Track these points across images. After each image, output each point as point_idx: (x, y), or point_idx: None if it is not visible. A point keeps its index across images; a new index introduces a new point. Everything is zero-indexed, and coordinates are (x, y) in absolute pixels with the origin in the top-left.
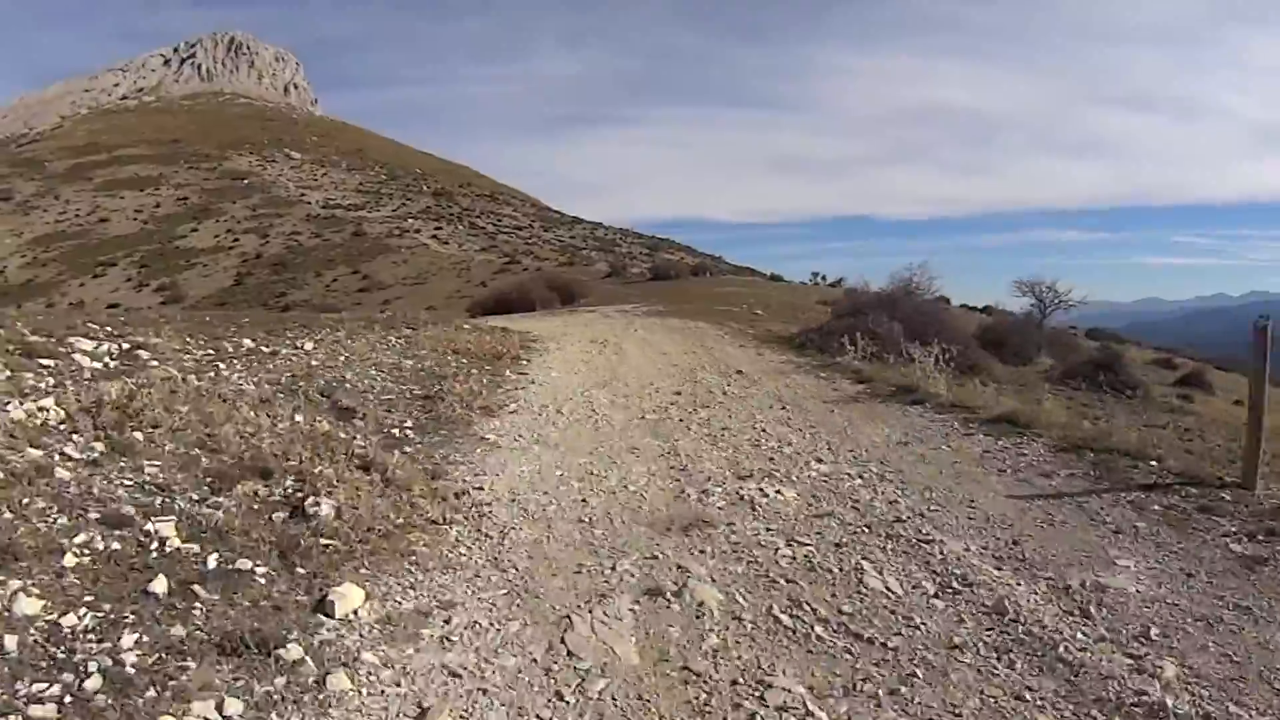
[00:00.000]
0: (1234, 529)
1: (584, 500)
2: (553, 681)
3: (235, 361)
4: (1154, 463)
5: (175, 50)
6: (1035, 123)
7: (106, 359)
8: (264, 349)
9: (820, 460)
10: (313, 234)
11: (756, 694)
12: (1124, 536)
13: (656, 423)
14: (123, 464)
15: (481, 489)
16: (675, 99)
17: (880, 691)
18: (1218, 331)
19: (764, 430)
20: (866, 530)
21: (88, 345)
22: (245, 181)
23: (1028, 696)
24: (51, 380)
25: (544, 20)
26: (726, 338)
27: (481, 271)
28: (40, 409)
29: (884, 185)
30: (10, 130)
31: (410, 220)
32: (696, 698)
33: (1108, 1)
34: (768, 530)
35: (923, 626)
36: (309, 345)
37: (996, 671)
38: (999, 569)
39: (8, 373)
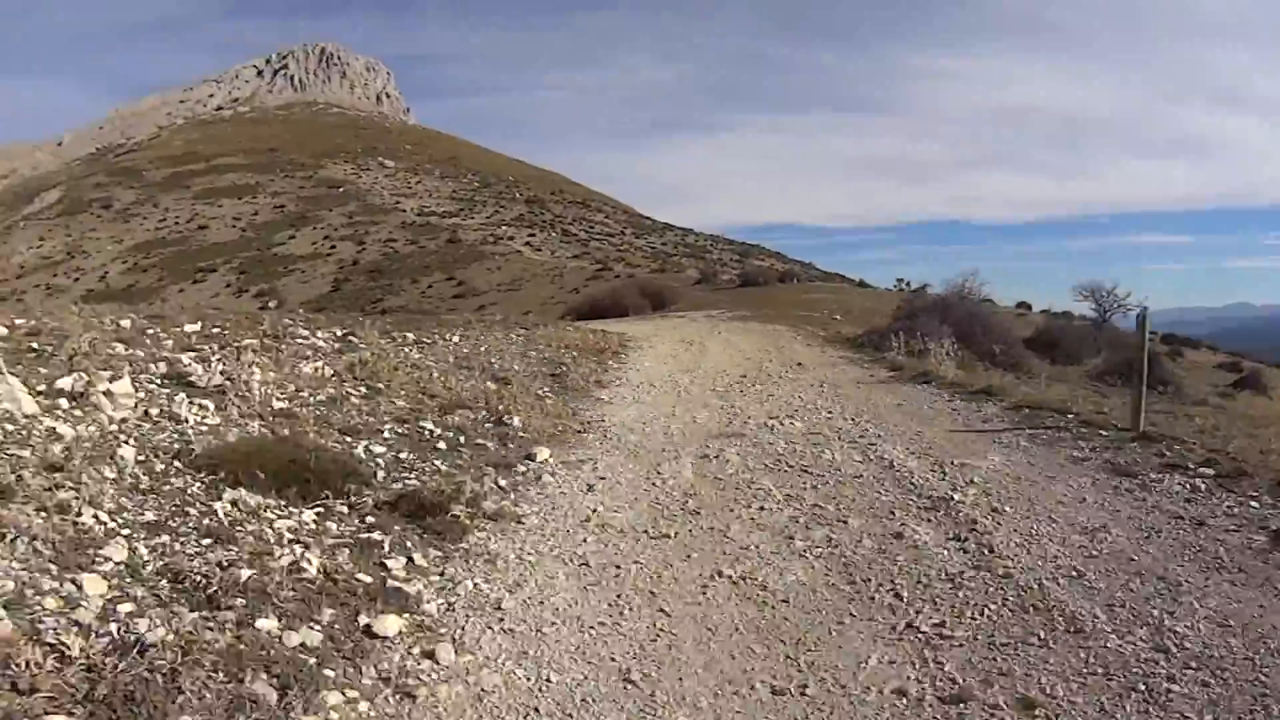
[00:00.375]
0: (1083, 446)
1: (667, 427)
2: (650, 482)
3: (409, 349)
4: (1070, 415)
5: (268, 61)
6: (1125, 123)
7: (332, 341)
8: (424, 340)
9: (830, 413)
10: (408, 241)
11: (750, 487)
12: (1007, 448)
13: (723, 392)
14: (382, 399)
15: (603, 420)
16: (764, 105)
17: (811, 489)
18: None
19: (800, 397)
20: (837, 440)
21: (305, 332)
22: (341, 189)
23: (885, 497)
24: (310, 353)
25: (631, 29)
26: (799, 339)
27: (575, 278)
28: (316, 369)
29: (974, 188)
30: (107, 140)
31: (504, 227)
32: (720, 489)
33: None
34: (776, 439)
35: (843, 471)
36: (455, 338)
37: (874, 487)
38: (907, 457)
39: (272, 350)
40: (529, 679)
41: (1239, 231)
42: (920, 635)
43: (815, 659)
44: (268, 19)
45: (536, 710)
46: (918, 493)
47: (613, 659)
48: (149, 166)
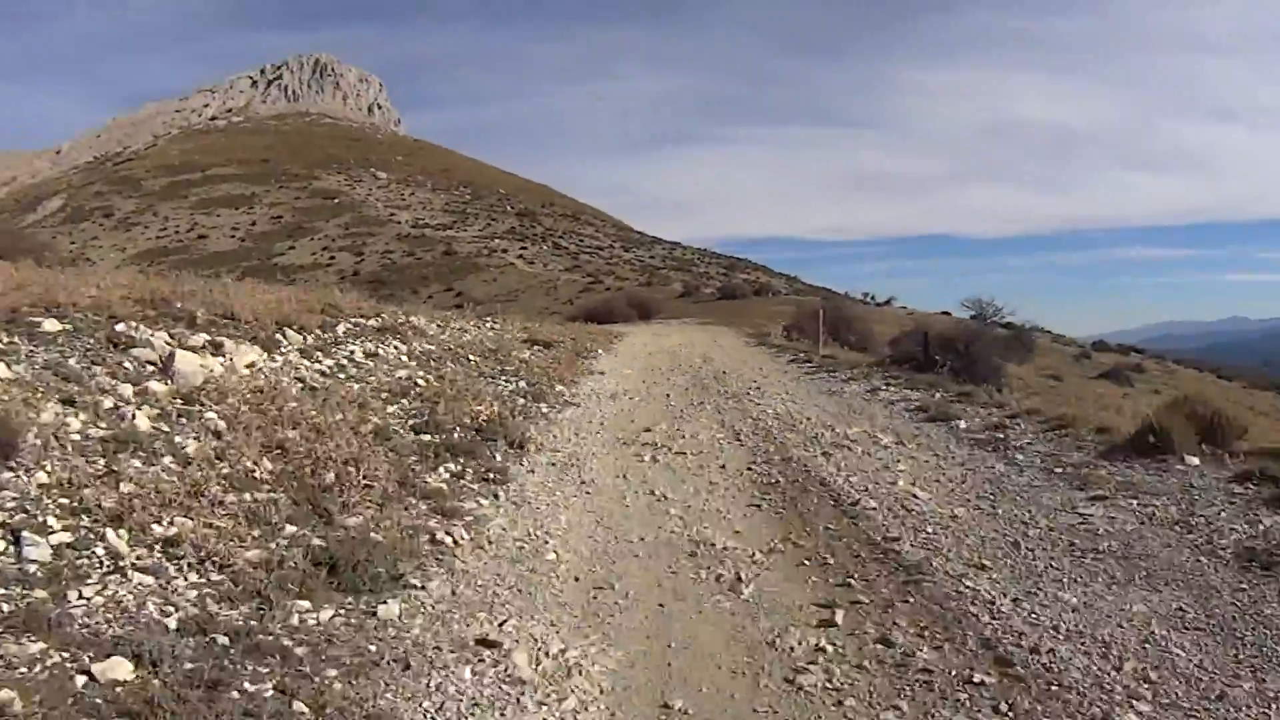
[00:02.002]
0: (805, 364)
1: (642, 356)
2: (636, 373)
3: (462, 329)
4: (822, 358)
5: (262, 72)
6: (1115, 137)
7: (437, 324)
8: (470, 325)
9: (711, 355)
10: (405, 253)
11: (667, 371)
12: (779, 367)
13: (669, 349)
14: (460, 362)
15: (613, 357)
16: (754, 118)
17: (685, 369)
18: None
19: (701, 350)
20: (704, 358)
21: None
22: (336, 201)
23: (776, 434)
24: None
25: (625, 41)
26: (733, 334)
27: (567, 290)
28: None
29: (964, 202)
30: (105, 149)
31: (497, 240)
32: (658, 373)
33: (1186, 11)
34: (682, 359)
35: (699, 365)
36: (495, 324)
37: (772, 429)
38: (723, 360)
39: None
40: (590, 420)
41: (1234, 245)
42: (713, 410)
43: (684, 413)
44: (263, 30)
45: (602, 425)
46: (713, 371)
47: (632, 420)
48: (147, 176)
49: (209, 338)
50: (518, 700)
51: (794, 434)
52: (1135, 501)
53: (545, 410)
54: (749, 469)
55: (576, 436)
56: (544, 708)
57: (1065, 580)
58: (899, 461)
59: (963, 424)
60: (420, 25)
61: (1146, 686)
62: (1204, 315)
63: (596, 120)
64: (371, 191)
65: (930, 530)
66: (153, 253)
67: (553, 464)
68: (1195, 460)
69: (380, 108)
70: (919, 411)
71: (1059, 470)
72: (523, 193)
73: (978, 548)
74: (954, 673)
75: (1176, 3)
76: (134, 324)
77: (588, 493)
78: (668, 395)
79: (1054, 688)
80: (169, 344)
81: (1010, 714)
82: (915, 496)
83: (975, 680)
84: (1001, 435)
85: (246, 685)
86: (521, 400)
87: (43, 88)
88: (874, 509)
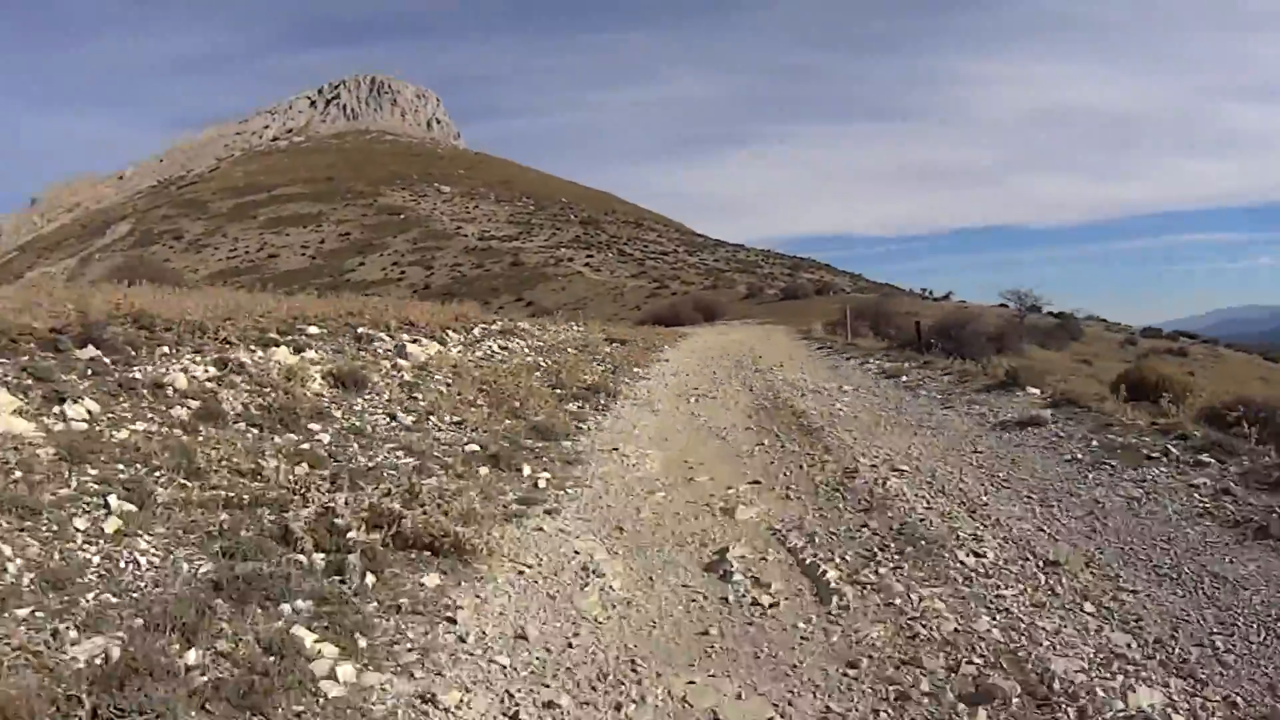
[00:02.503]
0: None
1: (701, 349)
2: (697, 359)
3: (556, 331)
4: (860, 348)
5: (320, 92)
6: (1170, 120)
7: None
8: (560, 328)
9: (759, 349)
10: (474, 265)
11: (720, 358)
12: (820, 357)
13: (725, 348)
14: (562, 352)
15: (678, 349)
16: (810, 116)
17: (735, 360)
18: None
19: (754, 343)
20: (753, 350)
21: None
22: (402, 216)
23: (778, 389)
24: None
25: (673, 46)
26: (786, 332)
27: (634, 296)
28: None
29: (1022, 192)
30: (168, 173)
31: (562, 249)
32: (716, 361)
33: None
34: (734, 351)
35: (743, 353)
36: (579, 327)
37: (777, 387)
38: (769, 354)
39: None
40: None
41: None
42: (741, 379)
43: (721, 381)
44: (317, 50)
45: (664, 387)
46: (753, 357)
47: (685, 385)
48: (213, 198)
49: (408, 336)
50: (626, 467)
51: (790, 389)
52: (968, 408)
53: (627, 380)
54: (752, 404)
55: (648, 393)
56: (637, 467)
57: (886, 436)
58: (845, 396)
59: (904, 379)
60: (469, 38)
61: (903, 461)
62: (1272, 300)
63: (650, 124)
64: (436, 206)
65: (836, 421)
66: (225, 273)
67: (634, 404)
68: (1035, 390)
69: (439, 122)
70: (882, 375)
71: (939, 397)
72: (584, 201)
73: (855, 426)
74: (809, 453)
75: None
76: (363, 328)
77: (654, 414)
78: (714, 372)
79: (852, 466)
80: (392, 338)
81: (828, 466)
82: (841, 411)
83: (816, 457)
84: (922, 383)
85: (524, 467)
86: (610, 374)
87: (100, 114)
88: (814, 414)
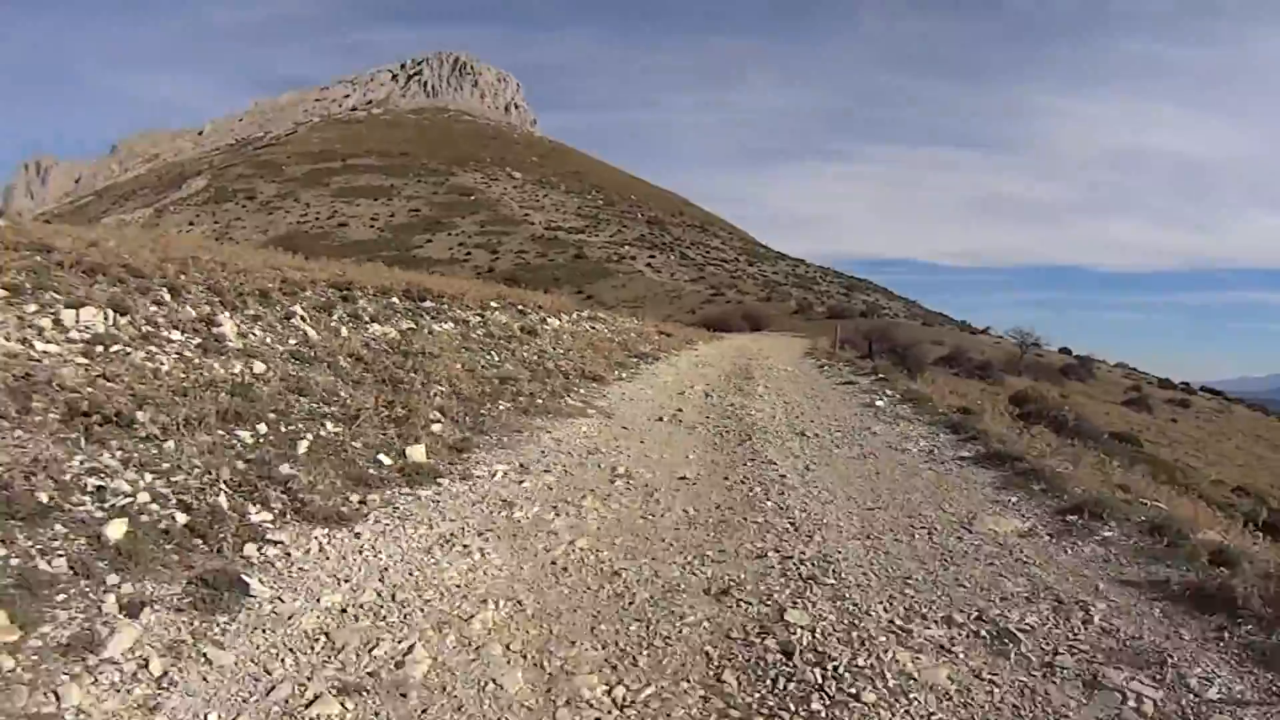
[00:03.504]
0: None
1: (729, 348)
2: (718, 351)
3: (621, 320)
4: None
5: (403, 67)
6: (1251, 172)
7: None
8: (622, 320)
9: (771, 355)
10: (538, 253)
11: (736, 356)
12: (808, 367)
13: (745, 349)
14: (624, 335)
15: (697, 352)
16: (882, 135)
17: (742, 366)
18: None
19: (764, 351)
20: (761, 356)
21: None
22: (472, 198)
23: (753, 369)
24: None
25: (754, 55)
26: (803, 343)
27: (691, 300)
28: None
29: (1092, 234)
30: (246, 133)
31: (626, 247)
32: (730, 360)
33: None
34: (750, 353)
35: (751, 356)
36: (638, 321)
37: (753, 368)
38: (775, 361)
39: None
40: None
41: None
42: (736, 365)
43: (724, 365)
44: (400, 25)
45: (689, 363)
46: (757, 356)
47: (699, 363)
48: (288, 161)
49: (545, 313)
50: (660, 377)
51: (760, 369)
52: (841, 382)
53: (666, 356)
54: (731, 370)
55: (671, 367)
56: (665, 377)
57: (786, 381)
58: (785, 369)
59: (827, 370)
60: (554, 27)
61: (784, 389)
62: None
63: (724, 130)
64: (506, 191)
65: (771, 376)
66: (293, 236)
67: (669, 366)
68: (893, 391)
69: (517, 107)
70: (817, 367)
71: (835, 378)
72: (652, 199)
73: (774, 378)
74: (744, 369)
75: None
76: (492, 305)
77: (675, 370)
78: (723, 361)
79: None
80: (536, 313)
81: (747, 383)
82: (784, 386)
83: (743, 374)
84: (838, 372)
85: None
86: (653, 351)
87: (183, 71)
88: (761, 378)
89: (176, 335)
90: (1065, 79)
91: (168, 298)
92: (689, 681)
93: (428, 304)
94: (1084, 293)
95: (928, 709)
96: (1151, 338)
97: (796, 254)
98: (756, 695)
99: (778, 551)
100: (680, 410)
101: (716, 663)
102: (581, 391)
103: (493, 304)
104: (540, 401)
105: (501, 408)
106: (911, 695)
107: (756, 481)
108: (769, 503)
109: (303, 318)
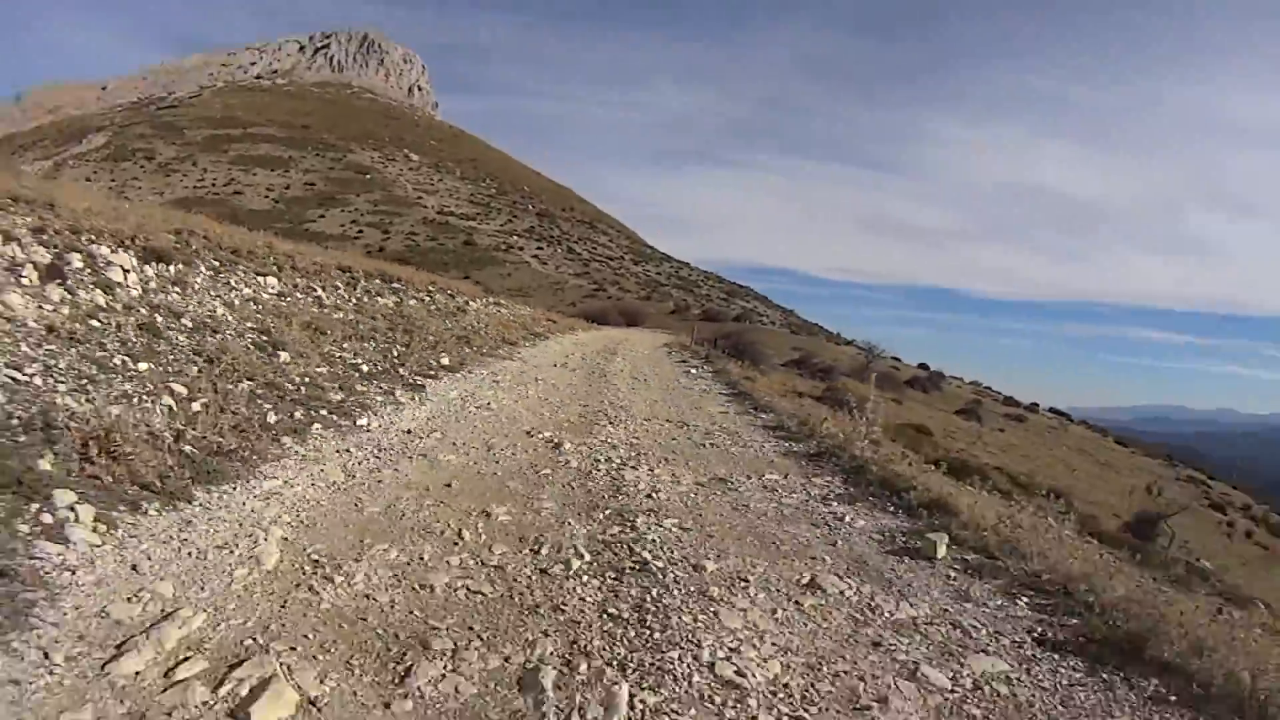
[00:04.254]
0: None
1: (587, 338)
2: (574, 341)
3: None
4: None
5: (310, 39)
6: (1133, 215)
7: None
8: (518, 307)
9: (630, 347)
10: (429, 237)
11: (596, 355)
12: (669, 361)
13: (614, 338)
14: (520, 319)
15: (576, 336)
16: (779, 146)
17: (609, 347)
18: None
19: (630, 340)
20: (619, 349)
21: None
22: (368, 176)
23: (618, 351)
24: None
25: (663, 55)
26: (666, 338)
27: (573, 294)
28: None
29: (975, 259)
30: (149, 92)
31: (515, 237)
32: (590, 351)
33: (1224, 100)
34: (605, 344)
35: (610, 345)
36: (528, 310)
37: (618, 351)
38: (627, 351)
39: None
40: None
41: (1236, 338)
42: (606, 346)
43: (595, 346)
44: None
45: (569, 343)
46: (623, 342)
47: (576, 343)
48: (189, 125)
49: (464, 298)
50: (544, 350)
51: (624, 350)
52: (678, 364)
53: (555, 336)
54: (599, 349)
55: (558, 343)
56: (547, 350)
57: (635, 360)
58: (641, 356)
59: (674, 358)
60: (464, 10)
61: (629, 367)
62: (1196, 404)
63: (624, 129)
64: (402, 172)
65: (629, 355)
66: (189, 201)
67: (556, 343)
68: (711, 367)
69: (421, 89)
70: (669, 357)
71: (676, 362)
72: (545, 193)
73: (635, 364)
74: (604, 350)
75: (1210, 87)
76: (430, 289)
77: (561, 345)
78: (596, 343)
79: (609, 371)
80: (455, 297)
81: (609, 362)
82: (637, 359)
83: (600, 376)
84: (684, 360)
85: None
86: (545, 332)
87: (88, 23)
88: (623, 354)
89: (305, 297)
90: (960, 107)
91: (299, 278)
92: (573, 420)
93: (396, 284)
94: (962, 314)
95: (665, 500)
96: (1030, 363)
97: (685, 256)
98: (590, 418)
99: (610, 407)
100: (567, 362)
101: (583, 416)
102: (506, 349)
103: (430, 287)
104: (485, 350)
105: (467, 351)
106: (659, 490)
107: (606, 389)
108: (607, 397)
109: (345, 292)
